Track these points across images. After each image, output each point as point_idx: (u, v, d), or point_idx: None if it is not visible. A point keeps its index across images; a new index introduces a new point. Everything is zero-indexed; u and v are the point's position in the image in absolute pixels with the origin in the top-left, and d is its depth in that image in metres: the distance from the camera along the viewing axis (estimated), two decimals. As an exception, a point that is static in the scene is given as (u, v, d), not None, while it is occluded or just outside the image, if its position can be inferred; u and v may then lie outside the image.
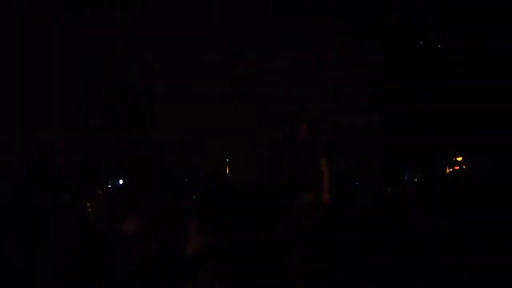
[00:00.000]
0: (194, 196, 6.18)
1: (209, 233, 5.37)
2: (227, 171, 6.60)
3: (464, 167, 6.65)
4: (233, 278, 5.01)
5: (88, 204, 5.10)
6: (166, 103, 7.84)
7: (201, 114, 7.88)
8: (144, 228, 4.22)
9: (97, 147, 7.25)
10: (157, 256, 4.38)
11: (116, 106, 7.61)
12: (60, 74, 7.37)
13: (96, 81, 7.55)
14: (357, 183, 6.47)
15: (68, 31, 7.30)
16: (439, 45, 8.01)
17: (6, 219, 5.46)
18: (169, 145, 7.67)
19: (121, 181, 5.88)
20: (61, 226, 5.01)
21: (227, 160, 6.99)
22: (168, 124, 7.84)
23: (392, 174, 7.13)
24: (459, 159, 6.74)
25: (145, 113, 7.72)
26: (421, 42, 8.09)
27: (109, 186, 6.25)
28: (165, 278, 4.44)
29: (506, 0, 7.49)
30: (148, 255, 4.23)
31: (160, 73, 7.89)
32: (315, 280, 5.06)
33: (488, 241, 5.32)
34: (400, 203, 6.31)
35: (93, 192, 5.45)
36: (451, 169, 6.69)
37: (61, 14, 7.25)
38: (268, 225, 5.40)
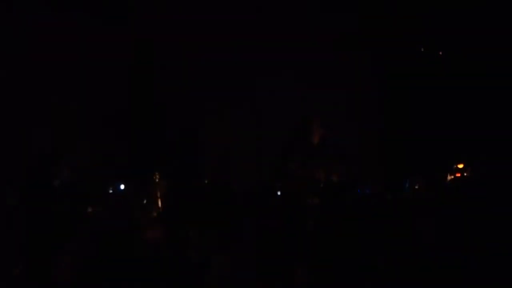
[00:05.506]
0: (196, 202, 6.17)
1: (210, 239, 5.36)
2: (230, 177, 6.59)
3: (465, 174, 6.65)
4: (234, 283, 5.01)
5: (90, 210, 5.11)
6: (167, 104, 7.82)
7: (205, 115, 7.87)
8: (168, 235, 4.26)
9: (99, 151, 7.24)
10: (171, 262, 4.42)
11: (117, 109, 7.60)
12: (61, 76, 7.36)
13: (96, 82, 7.54)
14: (359, 190, 6.48)
15: (79, 31, 7.29)
16: (440, 52, 8.03)
17: (8, 222, 5.45)
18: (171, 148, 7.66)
19: (122, 186, 5.87)
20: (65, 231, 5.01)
21: (231, 164, 6.98)
22: (168, 126, 7.82)
23: (393, 181, 7.14)
24: (460, 166, 6.74)
25: (147, 114, 7.70)
26: (422, 49, 8.12)
27: (111, 191, 6.23)
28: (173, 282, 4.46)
29: (507, 5, 7.51)
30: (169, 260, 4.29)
31: (162, 74, 7.87)
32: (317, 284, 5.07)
33: (490, 247, 5.33)
34: (401, 210, 6.32)
35: (95, 197, 5.45)
36: (452, 176, 6.69)
37: (67, 14, 7.24)
38: (274, 231, 5.39)
